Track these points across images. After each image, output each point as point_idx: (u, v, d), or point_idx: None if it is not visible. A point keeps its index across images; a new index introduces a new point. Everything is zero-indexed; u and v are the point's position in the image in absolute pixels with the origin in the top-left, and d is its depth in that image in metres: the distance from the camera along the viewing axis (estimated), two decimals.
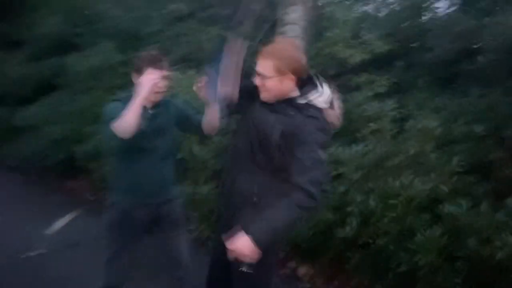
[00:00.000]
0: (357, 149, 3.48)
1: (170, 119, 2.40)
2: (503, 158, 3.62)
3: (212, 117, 2.20)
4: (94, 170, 4.94)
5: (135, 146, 2.21)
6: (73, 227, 4.30)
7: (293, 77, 1.88)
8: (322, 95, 1.92)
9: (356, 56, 4.11)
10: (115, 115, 2.08)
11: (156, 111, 2.33)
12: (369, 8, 5.70)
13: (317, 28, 4.63)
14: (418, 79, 4.77)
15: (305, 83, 1.94)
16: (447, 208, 3.05)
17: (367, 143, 3.52)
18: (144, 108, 2.17)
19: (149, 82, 2.10)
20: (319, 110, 1.89)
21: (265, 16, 5.10)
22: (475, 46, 4.60)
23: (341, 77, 4.42)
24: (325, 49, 4.22)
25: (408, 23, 5.18)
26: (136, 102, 2.05)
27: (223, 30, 6.36)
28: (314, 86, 1.93)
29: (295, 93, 1.93)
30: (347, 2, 5.50)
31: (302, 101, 1.91)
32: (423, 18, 5.27)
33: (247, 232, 1.79)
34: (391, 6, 5.74)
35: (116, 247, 2.41)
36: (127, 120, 2.03)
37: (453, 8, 5.60)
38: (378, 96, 4.25)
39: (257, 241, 1.77)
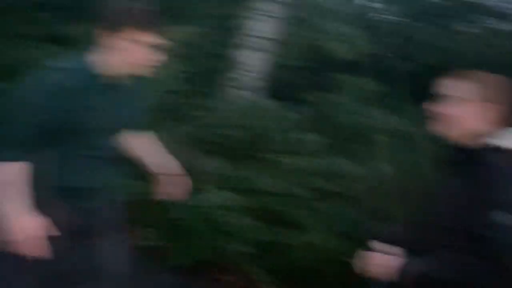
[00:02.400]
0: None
1: (134, 110, 1.73)
2: None
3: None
4: None
5: (70, 138, 1.59)
6: None
7: (497, 108, 1.36)
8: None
9: (349, 54, 3.56)
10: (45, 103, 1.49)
11: (122, 91, 1.64)
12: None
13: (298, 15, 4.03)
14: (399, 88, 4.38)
15: None
16: None
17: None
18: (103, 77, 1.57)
19: (25, 232, 1.47)
20: (505, 152, 1.34)
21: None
22: None
23: (323, 74, 3.87)
24: (314, 40, 3.61)
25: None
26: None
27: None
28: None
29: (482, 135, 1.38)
30: None
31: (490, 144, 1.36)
32: None
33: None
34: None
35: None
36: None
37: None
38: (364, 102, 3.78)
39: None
